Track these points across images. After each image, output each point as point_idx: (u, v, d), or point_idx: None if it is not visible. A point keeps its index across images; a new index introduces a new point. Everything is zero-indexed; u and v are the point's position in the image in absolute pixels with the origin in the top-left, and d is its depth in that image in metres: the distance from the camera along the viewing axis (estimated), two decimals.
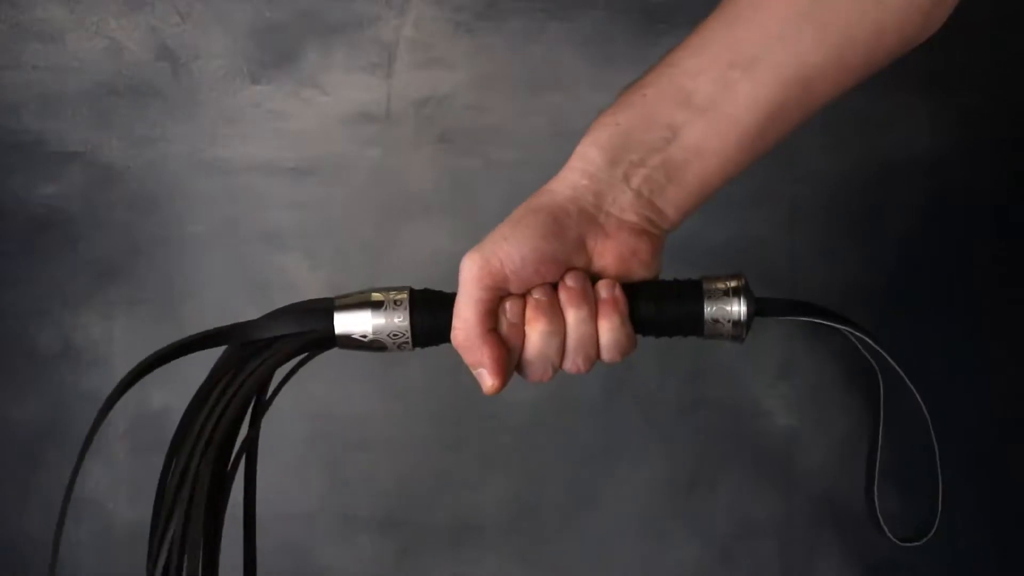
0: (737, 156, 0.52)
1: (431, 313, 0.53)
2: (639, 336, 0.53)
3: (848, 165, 0.91)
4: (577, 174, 0.52)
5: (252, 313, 0.95)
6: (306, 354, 0.56)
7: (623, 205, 0.51)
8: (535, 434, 0.95)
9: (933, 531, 0.60)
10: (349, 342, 0.54)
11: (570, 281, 0.51)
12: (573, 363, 0.52)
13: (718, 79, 0.50)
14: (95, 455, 0.94)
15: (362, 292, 0.54)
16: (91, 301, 0.92)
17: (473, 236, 0.91)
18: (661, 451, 0.96)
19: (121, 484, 0.94)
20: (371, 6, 0.89)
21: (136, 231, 0.92)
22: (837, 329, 0.58)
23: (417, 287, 0.54)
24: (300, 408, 0.94)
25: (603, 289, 0.51)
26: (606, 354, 0.52)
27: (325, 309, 0.54)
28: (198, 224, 0.92)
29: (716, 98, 0.50)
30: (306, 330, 0.55)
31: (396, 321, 0.53)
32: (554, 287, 0.52)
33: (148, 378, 0.96)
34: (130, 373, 0.56)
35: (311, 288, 0.93)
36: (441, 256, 0.92)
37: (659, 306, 0.52)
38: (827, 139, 0.92)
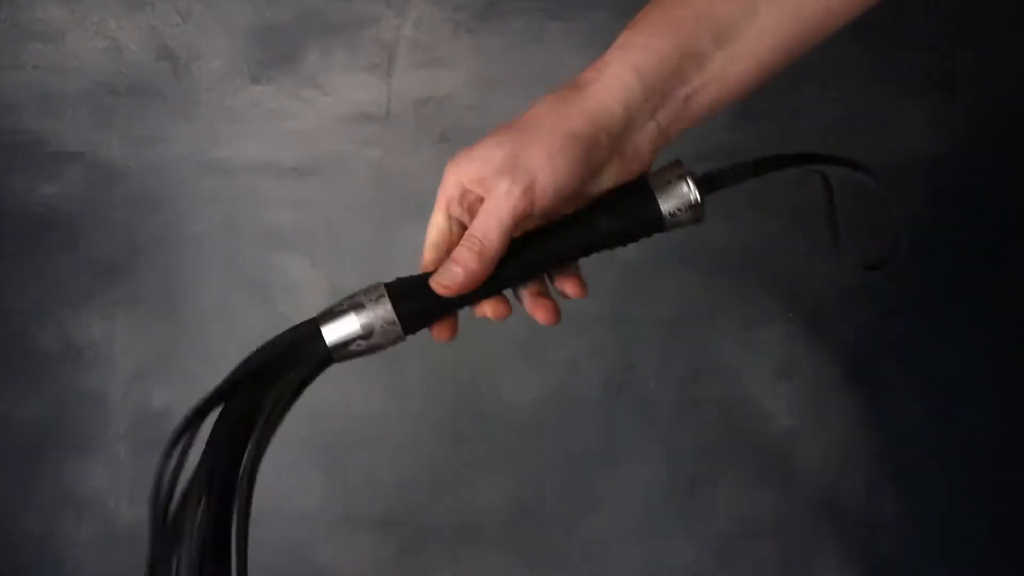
0: (752, 87, 0.53)
1: (412, 297, 0.53)
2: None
3: None
4: (614, 99, 0.51)
5: (252, 313, 0.95)
6: (306, 380, 0.56)
7: (646, 137, 0.52)
8: (535, 434, 0.95)
9: (894, 260, 0.60)
10: (345, 352, 0.54)
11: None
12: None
13: (747, 10, 0.51)
14: (95, 455, 0.94)
15: (338, 302, 0.54)
16: (91, 301, 0.92)
17: None
18: (661, 451, 0.96)
19: (121, 484, 0.94)
20: (371, 6, 0.89)
21: (136, 231, 0.92)
22: (800, 167, 0.58)
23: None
24: (300, 408, 0.93)
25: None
26: None
27: (310, 330, 0.54)
28: (198, 224, 0.92)
29: (743, 32, 0.51)
30: (302, 357, 0.55)
31: (381, 313, 0.53)
32: None
33: (149, 378, 0.96)
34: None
35: (311, 288, 0.93)
36: None
37: (618, 217, 0.53)
38: (827, 140, 0.92)
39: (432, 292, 0.53)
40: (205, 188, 0.91)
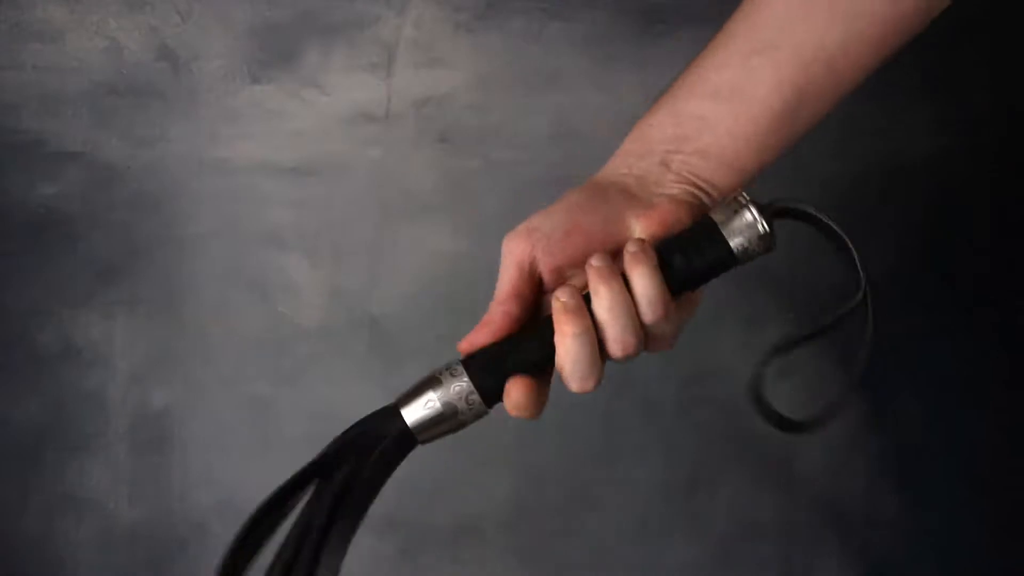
0: (769, 140, 0.52)
1: (488, 367, 0.52)
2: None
3: (849, 166, 0.91)
4: (619, 166, 0.52)
5: (252, 313, 0.95)
6: (391, 463, 0.55)
7: (666, 183, 0.52)
8: (535, 434, 0.95)
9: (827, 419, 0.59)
10: (427, 430, 0.53)
11: (595, 261, 0.49)
12: (620, 345, 0.51)
13: (741, 68, 0.51)
14: (95, 455, 0.94)
15: (417, 382, 0.53)
16: (91, 301, 0.92)
17: (473, 236, 0.91)
18: (661, 451, 0.95)
19: (121, 484, 0.94)
20: (371, 6, 0.89)
21: (136, 231, 0.92)
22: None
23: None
24: (300, 408, 0.94)
25: (629, 246, 0.50)
26: (647, 315, 0.50)
27: (389, 413, 0.54)
28: (198, 224, 0.92)
29: (741, 85, 0.51)
30: (385, 445, 0.54)
31: (459, 388, 0.52)
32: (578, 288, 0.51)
33: (149, 378, 0.96)
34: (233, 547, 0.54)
35: (311, 288, 0.93)
36: (441, 256, 0.92)
37: (685, 255, 0.51)
38: (828, 141, 0.92)
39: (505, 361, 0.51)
40: (205, 188, 0.91)
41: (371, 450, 0.53)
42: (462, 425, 0.53)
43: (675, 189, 0.52)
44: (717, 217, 0.51)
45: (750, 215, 0.51)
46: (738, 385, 0.97)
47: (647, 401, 0.95)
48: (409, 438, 0.53)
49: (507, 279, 0.51)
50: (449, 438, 0.99)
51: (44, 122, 0.90)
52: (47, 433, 0.93)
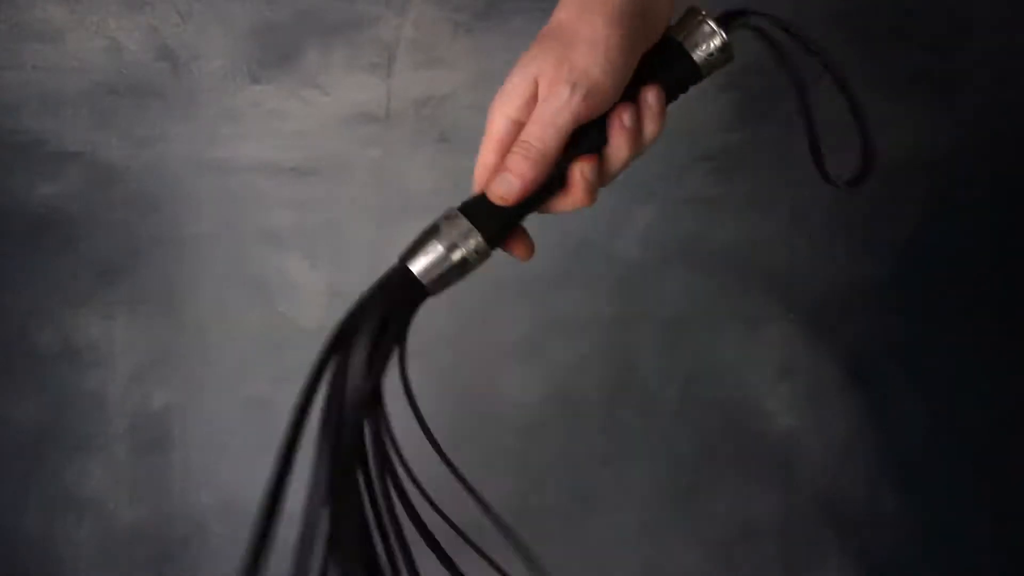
0: None
1: (486, 211, 0.54)
2: None
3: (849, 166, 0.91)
4: None
5: (252, 313, 0.95)
6: (408, 320, 0.55)
7: None
8: (536, 435, 0.95)
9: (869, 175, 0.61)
10: (436, 278, 0.54)
11: (654, 99, 0.52)
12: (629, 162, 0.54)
13: None
14: (95, 455, 0.94)
15: (417, 235, 0.54)
16: (91, 301, 0.92)
17: None
18: (661, 452, 0.96)
19: (121, 484, 0.94)
20: (371, 6, 0.89)
21: (136, 231, 0.92)
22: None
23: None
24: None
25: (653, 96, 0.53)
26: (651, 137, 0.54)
27: (397, 269, 0.54)
28: (198, 224, 0.92)
29: None
30: (397, 300, 0.54)
31: (461, 230, 0.53)
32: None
33: (149, 378, 0.96)
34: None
35: (311, 288, 0.93)
36: None
37: (655, 76, 0.54)
38: (828, 141, 0.92)
39: (495, 205, 0.53)
40: (205, 188, 0.91)
41: (386, 312, 0.54)
42: (467, 265, 0.54)
43: (667, 11, 0.53)
44: (678, 36, 0.54)
45: (707, 27, 0.54)
46: (738, 385, 0.98)
47: (647, 401, 0.95)
48: (418, 286, 0.54)
49: (556, 142, 0.52)
50: (449, 438, 0.99)
51: (44, 122, 0.90)
52: (47, 433, 0.93)
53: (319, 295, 0.93)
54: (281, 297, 0.93)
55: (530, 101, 0.52)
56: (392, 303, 0.53)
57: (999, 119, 0.92)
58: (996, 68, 0.91)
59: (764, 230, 0.93)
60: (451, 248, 0.53)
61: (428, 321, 0.94)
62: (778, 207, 0.92)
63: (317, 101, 0.91)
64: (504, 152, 0.53)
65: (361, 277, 0.99)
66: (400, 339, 0.54)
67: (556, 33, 0.52)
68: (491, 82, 0.92)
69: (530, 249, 0.56)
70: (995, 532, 0.96)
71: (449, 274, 0.54)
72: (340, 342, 0.53)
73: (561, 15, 0.52)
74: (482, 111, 0.89)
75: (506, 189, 0.52)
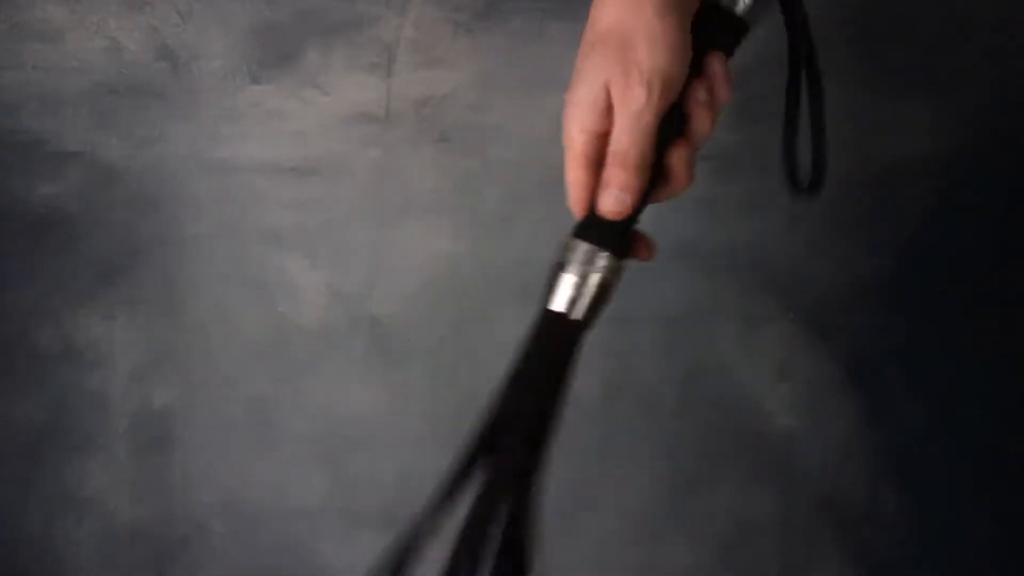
0: None
1: (599, 228, 0.54)
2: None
3: (849, 166, 0.91)
4: None
5: (252, 313, 0.95)
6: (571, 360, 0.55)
7: None
8: None
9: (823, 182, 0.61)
10: (584, 309, 0.54)
11: (719, 67, 0.53)
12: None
13: None
14: (95, 455, 0.94)
15: (546, 280, 0.54)
16: (91, 301, 0.92)
17: (473, 236, 0.91)
18: (661, 451, 0.96)
19: (121, 484, 0.94)
20: (371, 6, 0.89)
21: (136, 231, 0.92)
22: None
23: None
24: (301, 406, 0.94)
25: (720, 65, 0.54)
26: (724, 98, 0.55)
27: (542, 318, 0.55)
28: (198, 224, 0.92)
29: None
30: (553, 345, 0.54)
31: (587, 255, 0.54)
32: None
33: (149, 378, 0.97)
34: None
35: (311, 288, 0.93)
36: (441, 256, 0.92)
37: (720, 44, 0.54)
38: (828, 140, 0.91)
39: (609, 221, 0.53)
40: (205, 188, 0.91)
41: (546, 366, 0.54)
42: (606, 286, 0.54)
43: None
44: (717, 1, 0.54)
45: None
46: (738, 385, 0.98)
47: (647, 401, 0.95)
48: (570, 324, 0.54)
49: (649, 144, 0.52)
50: (450, 437, 0.99)
51: (44, 122, 0.90)
52: (47, 433, 0.93)
53: (319, 295, 0.93)
54: (281, 297, 0.93)
55: (606, 111, 0.52)
56: (552, 354, 0.54)
57: (999, 119, 0.91)
58: (996, 68, 0.91)
59: (764, 230, 0.93)
60: (584, 276, 0.53)
61: (429, 321, 0.94)
62: (778, 207, 0.92)
63: (317, 101, 0.90)
64: (592, 167, 0.54)
65: (361, 277, 0.99)
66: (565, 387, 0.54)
67: (610, 38, 0.52)
68: (491, 82, 0.92)
69: (653, 247, 0.57)
70: (995, 532, 0.96)
71: (594, 301, 0.54)
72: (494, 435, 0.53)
73: (607, 18, 0.52)
74: (482, 111, 0.89)
75: (618, 205, 0.53)
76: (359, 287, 0.93)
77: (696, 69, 0.53)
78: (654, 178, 0.54)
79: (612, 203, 0.53)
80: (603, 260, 0.54)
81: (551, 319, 0.54)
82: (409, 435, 0.95)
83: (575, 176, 0.54)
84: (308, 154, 0.91)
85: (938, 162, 0.92)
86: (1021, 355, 0.95)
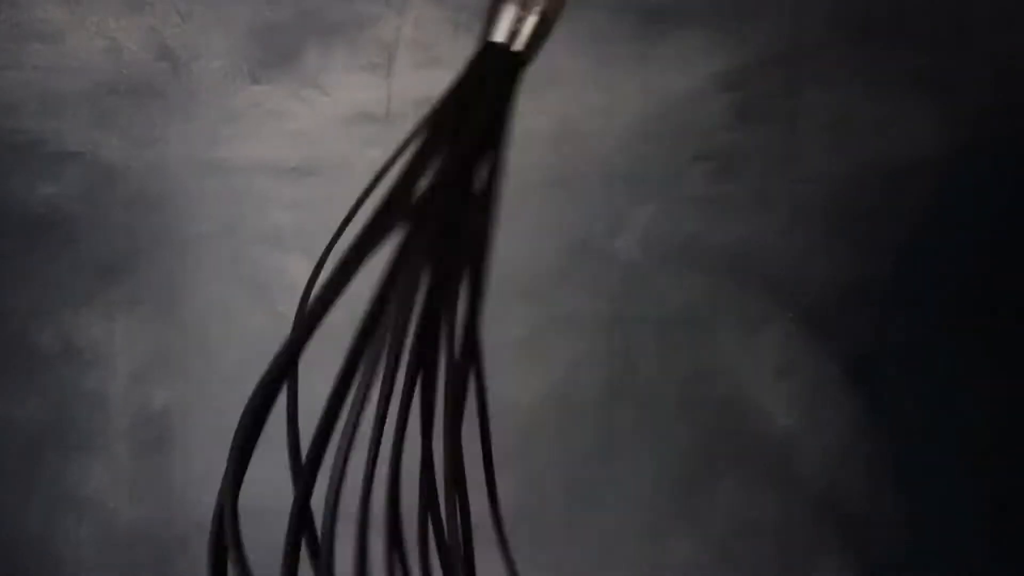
0: None
1: None
2: None
3: (849, 166, 0.91)
4: None
5: (252, 313, 0.95)
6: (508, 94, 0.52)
7: None
8: (535, 435, 0.95)
9: None
10: (523, 38, 0.52)
11: None
12: None
13: None
14: (95, 455, 0.94)
15: (486, 14, 0.52)
16: (91, 301, 0.92)
17: None
18: (660, 451, 0.96)
19: (121, 484, 0.94)
20: (371, 6, 0.89)
21: (136, 231, 0.92)
22: None
23: None
24: (300, 407, 0.93)
25: None
26: None
27: (483, 47, 0.52)
28: (198, 224, 0.92)
29: None
30: (490, 77, 0.52)
31: None
32: None
33: (149, 378, 0.96)
34: None
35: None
36: None
37: None
38: (828, 140, 0.92)
39: None
40: (205, 188, 0.91)
41: (481, 97, 0.51)
42: (550, 18, 0.52)
43: None
44: None
45: None
46: (738, 385, 0.98)
47: (647, 401, 0.95)
48: (508, 54, 0.52)
49: None
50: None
51: (44, 122, 0.90)
52: (47, 433, 0.93)
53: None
54: (281, 297, 0.93)
55: None
56: (487, 86, 0.50)
57: (999, 119, 0.92)
58: (996, 68, 0.91)
59: (764, 230, 0.93)
60: (525, 5, 0.52)
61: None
62: (778, 207, 0.92)
63: (317, 101, 0.91)
64: None
65: (361, 277, 0.98)
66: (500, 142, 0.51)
67: None
68: None
69: None
70: (995, 532, 0.96)
71: (535, 32, 0.52)
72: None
73: None
74: None
75: None
76: (359, 287, 0.93)
77: None
78: None
79: None
80: None
81: (492, 50, 0.52)
82: (409, 435, 0.95)
83: None
84: (308, 154, 0.91)
85: (938, 162, 0.92)
86: (1021, 355, 0.95)
